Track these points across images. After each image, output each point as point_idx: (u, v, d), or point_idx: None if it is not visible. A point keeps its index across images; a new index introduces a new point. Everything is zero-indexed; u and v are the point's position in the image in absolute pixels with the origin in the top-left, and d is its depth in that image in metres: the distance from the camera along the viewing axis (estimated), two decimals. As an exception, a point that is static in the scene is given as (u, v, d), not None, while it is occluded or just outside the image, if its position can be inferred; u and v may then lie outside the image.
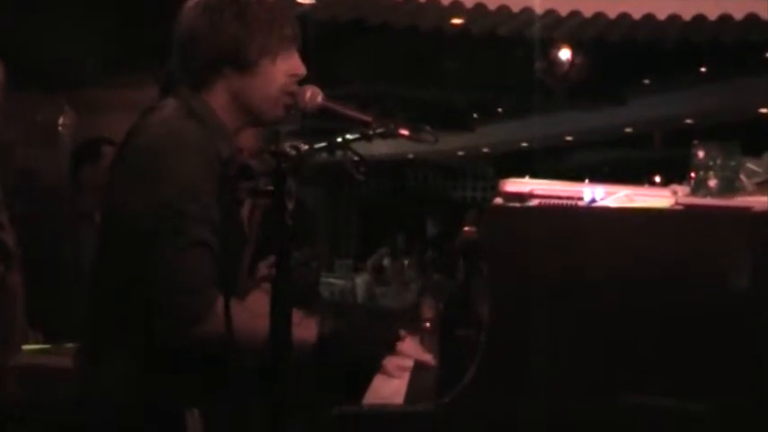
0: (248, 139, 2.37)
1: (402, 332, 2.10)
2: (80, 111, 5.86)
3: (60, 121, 5.58)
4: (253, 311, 1.81)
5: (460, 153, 14.31)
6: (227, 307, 1.50)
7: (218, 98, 1.91)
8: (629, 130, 11.71)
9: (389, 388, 1.91)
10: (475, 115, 12.53)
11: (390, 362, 2.00)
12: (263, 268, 2.31)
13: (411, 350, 2.06)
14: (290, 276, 1.48)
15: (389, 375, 1.99)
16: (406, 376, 2.00)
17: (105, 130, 4.22)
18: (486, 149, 14.11)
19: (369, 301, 9.73)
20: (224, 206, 1.73)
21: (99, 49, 5.75)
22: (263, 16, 1.89)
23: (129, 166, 1.85)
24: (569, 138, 12.60)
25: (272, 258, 1.54)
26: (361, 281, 10.46)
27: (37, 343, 3.31)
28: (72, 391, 1.92)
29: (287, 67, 1.92)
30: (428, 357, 2.06)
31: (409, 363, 2.04)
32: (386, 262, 10.89)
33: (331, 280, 10.15)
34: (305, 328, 1.84)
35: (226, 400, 1.77)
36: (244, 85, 1.91)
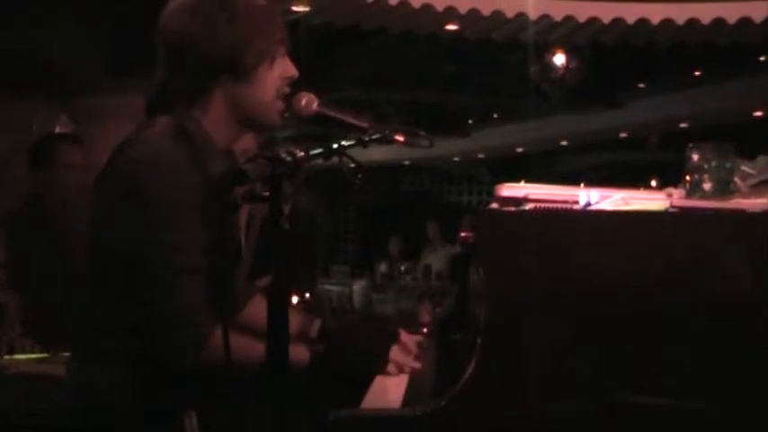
0: (247, 141, 2.36)
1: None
2: (76, 119, 5.85)
3: (57, 129, 5.57)
4: (249, 336, 1.79)
5: (456, 158, 14.31)
6: (224, 330, 1.50)
7: (216, 108, 1.87)
8: (624, 134, 11.72)
9: (389, 387, 1.92)
10: (470, 120, 12.53)
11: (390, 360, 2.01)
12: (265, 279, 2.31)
13: (398, 356, 2.06)
14: (287, 280, 1.49)
15: (388, 374, 2.00)
16: (405, 376, 2.01)
17: (102, 137, 4.21)
18: (481, 154, 14.11)
19: (365, 307, 9.70)
20: (216, 220, 1.72)
21: (95, 56, 5.75)
22: (257, 20, 1.85)
23: (113, 187, 1.83)
24: (565, 142, 12.60)
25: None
26: (358, 287, 10.42)
27: (32, 352, 3.31)
28: (67, 399, 1.92)
29: (281, 70, 1.89)
30: (415, 364, 2.05)
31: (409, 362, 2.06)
32: (383, 268, 10.87)
33: (327, 286, 10.11)
34: (295, 352, 1.83)
35: (223, 402, 1.77)
36: (241, 92, 1.86)
